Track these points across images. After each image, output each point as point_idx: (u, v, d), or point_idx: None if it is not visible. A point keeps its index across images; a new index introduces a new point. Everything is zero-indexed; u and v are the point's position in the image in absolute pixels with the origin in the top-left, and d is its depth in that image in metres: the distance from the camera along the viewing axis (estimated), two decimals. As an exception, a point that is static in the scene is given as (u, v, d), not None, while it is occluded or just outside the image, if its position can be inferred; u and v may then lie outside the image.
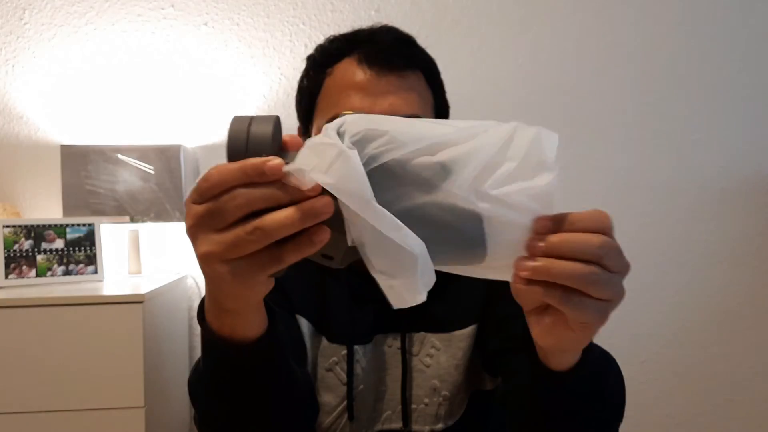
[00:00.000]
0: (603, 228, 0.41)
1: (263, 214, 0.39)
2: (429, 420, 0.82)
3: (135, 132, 1.79)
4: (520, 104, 1.88)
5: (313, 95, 0.82)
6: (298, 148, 0.42)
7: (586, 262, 0.39)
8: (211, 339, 0.53)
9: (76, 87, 1.80)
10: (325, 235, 0.39)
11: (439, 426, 0.82)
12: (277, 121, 0.42)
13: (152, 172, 1.64)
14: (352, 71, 0.77)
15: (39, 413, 1.32)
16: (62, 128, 1.79)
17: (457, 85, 1.83)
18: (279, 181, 0.39)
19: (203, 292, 1.81)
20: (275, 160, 0.38)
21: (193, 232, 0.41)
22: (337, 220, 0.40)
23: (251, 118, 0.42)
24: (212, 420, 0.62)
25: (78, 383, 1.33)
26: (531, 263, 0.40)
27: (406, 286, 0.40)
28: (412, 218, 0.39)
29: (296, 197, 0.39)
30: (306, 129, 0.85)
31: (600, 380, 0.58)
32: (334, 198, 0.39)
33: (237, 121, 0.42)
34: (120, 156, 1.63)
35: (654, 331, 1.92)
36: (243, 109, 1.84)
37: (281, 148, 0.42)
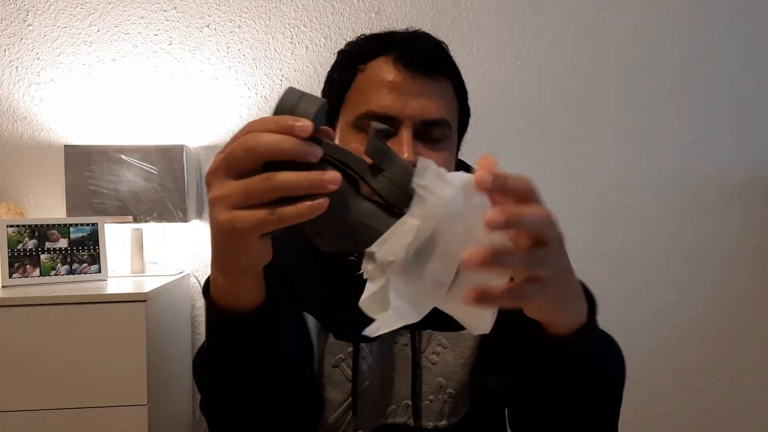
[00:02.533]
0: (533, 196, 0.44)
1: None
2: (433, 416, 0.83)
3: (138, 132, 1.81)
4: (520, 104, 1.90)
5: (343, 89, 0.82)
6: (331, 138, 0.46)
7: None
8: (212, 310, 0.56)
9: (80, 88, 1.81)
10: (323, 204, 0.42)
11: (443, 423, 0.83)
12: (324, 105, 0.44)
13: (155, 172, 1.65)
14: (386, 69, 0.78)
15: (42, 411, 1.33)
16: (66, 129, 1.81)
17: (457, 86, 1.85)
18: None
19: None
20: (305, 121, 0.42)
21: (211, 178, 0.44)
22: (338, 202, 0.43)
23: (302, 94, 0.44)
24: (216, 398, 0.64)
25: (81, 381, 1.34)
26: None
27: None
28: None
29: (308, 158, 0.42)
30: (331, 122, 0.86)
31: (600, 355, 0.61)
32: (343, 174, 0.43)
33: (290, 92, 0.44)
34: (123, 156, 1.65)
35: (651, 329, 1.93)
36: (243, 109, 1.85)
37: (318, 132, 0.45)
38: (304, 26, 1.85)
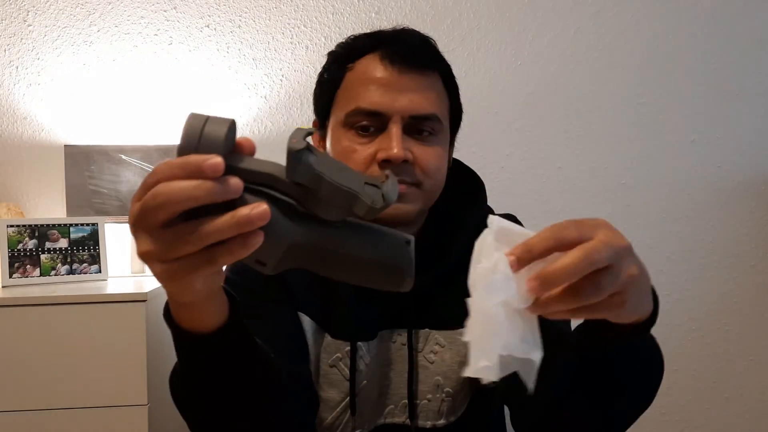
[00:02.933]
0: (567, 237, 0.43)
1: (200, 216, 0.39)
2: (431, 415, 0.83)
3: (138, 132, 1.81)
4: (520, 104, 1.90)
5: (333, 88, 0.82)
6: (251, 150, 0.43)
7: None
8: (176, 334, 0.55)
9: (80, 88, 1.81)
10: (258, 239, 0.40)
11: (441, 422, 0.83)
12: (232, 125, 0.42)
13: (155, 172, 1.65)
14: (374, 66, 0.78)
15: (42, 411, 1.33)
16: (66, 129, 1.81)
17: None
18: (216, 179, 0.39)
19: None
20: (215, 159, 0.38)
21: (133, 230, 0.42)
22: (272, 227, 0.41)
23: (207, 118, 0.41)
24: (198, 420, 0.64)
25: (81, 381, 1.34)
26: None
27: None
28: None
29: (226, 197, 0.39)
30: (323, 123, 0.86)
31: (646, 357, 0.61)
32: (271, 202, 0.41)
33: (193, 118, 0.41)
34: (123, 156, 1.65)
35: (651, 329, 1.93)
36: (243, 109, 1.85)
37: (233, 151, 0.43)
38: (304, 26, 1.85)
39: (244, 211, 0.39)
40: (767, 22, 1.93)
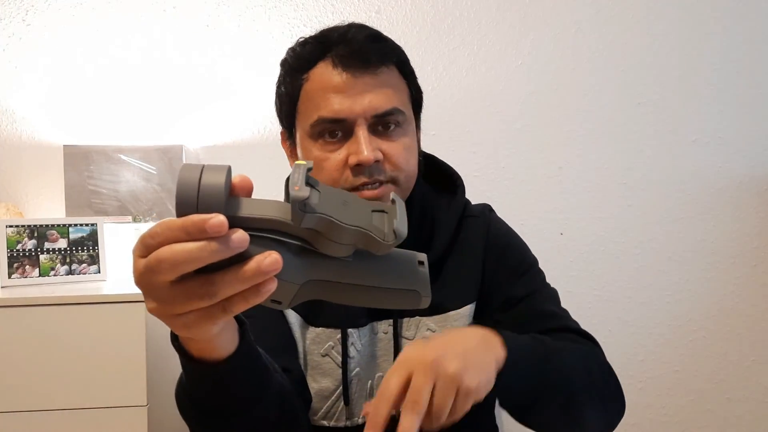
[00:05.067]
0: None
1: (209, 269, 0.39)
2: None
3: (137, 132, 1.80)
4: (520, 104, 1.89)
5: (292, 101, 0.84)
6: (248, 191, 0.42)
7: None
8: (185, 358, 0.55)
9: (79, 88, 1.81)
10: (272, 286, 0.40)
11: None
12: (228, 171, 0.41)
13: (154, 172, 1.65)
14: (328, 75, 0.79)
15: (41, 412, 1.33)
16: (65, 129, 1.80)
17: (457, 86, 1.85)
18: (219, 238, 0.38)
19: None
20: (217, 218, 0.37)
21: (140, 287, 0.41)
22: (284, 270, 0.40)
23: (202, 168, 0.40)
24: (199, 427, 0.64)
25: (81, 382, 1.34)
26: None
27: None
28: None
29: (232, 254, 0.38)
30: (290, 133, 0.87)
31: (529, 376, 0.66)
32: (280, 246, 0.40)
33: (187, 170, 0.39)
34: (122, 156, 1.65)
35: (651, 329, 1.93)
36: (244, 110, 1.85)
37: (230, 196, 0.41)
38: (304, 26, 1.85)
39: (253, 264, 0.38)
40: (767, 21, 1.92)
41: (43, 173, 1.79)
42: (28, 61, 1.80)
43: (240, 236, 0.38)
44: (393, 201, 0.45)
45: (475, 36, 1.88)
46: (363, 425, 0.83)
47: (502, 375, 0.61)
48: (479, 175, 1.87)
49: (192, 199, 0.39)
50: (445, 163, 0.96)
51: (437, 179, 0.94)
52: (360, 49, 0.79)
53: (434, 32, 1.86)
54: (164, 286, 0.39)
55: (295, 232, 0.42)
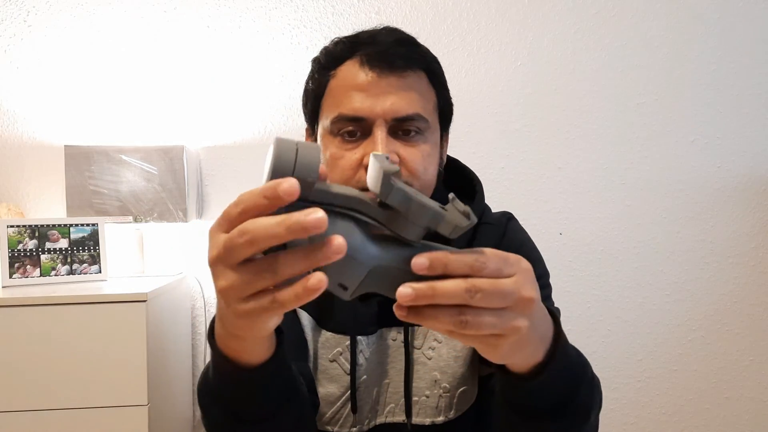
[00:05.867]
0: (483, 269, 0.43)
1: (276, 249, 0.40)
2: (430, 412, 0.83)
3: (138, 133, 1.81)
4: (520, 104, 1.90)
5: (318, 97, 0.83)
6: (325, 176, 0.44)
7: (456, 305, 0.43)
8: (219, 358, 0.55)
9: (80, 88, 1.81)
10: (322, 284, 0.40)
11: (440, 419, 0.83)
12: (319, 149, 0.42)
13: (155, 172, 1.66)
14: (354, 73, 0.79)
15: (42, 411, 1.33)
16: (66, 129, 1.81)
17: (457, 87, 1.85)
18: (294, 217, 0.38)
19: (205, 292, 1.83)
20: (289, 181, 0.38)
21: (213, 265, 0.42)
22: (357, 251, 0.42)
23: (297, 143, 0.41)
24: (217, 426, 0.64)
25: (82, 382, 1.34)
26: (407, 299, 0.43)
27: None
28: None
29: (306, 234, 0.38)
30: (313, 130, 0.87)
31: (559, 390, 0.59)
32: (357, 225, 0.42)
33: (283, 143, 0.41)
34: (123, 156, 1.65)
35: (651, 329, 1.93)
36: (244, 110, 1.85)
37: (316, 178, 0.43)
38: (305, 26, 1.85)
39: (320, 245, 0.39)
40: (766, 21, 1.93)
41: (44, 173, 1.80)
42: (30, 61, 1.80)
43: (319, 216, 0.38)
44: (451, 199, 0.45)
45: (475, 37, 1.89)
46: (367, 431, 0.83)
47: (544, 365, 0.56)
48: (479, 176, 1.87)
49: (289, 168, 0.40)
50: (467, 168, 0.95)
51: (457, 183, 0.93)
52: (387, 50, 0.79)
53: (434, 33, 1.87)
54: (236, 265, 0.40)
55: (374, 214, 0.43)
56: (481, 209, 0.90)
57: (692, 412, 1.94)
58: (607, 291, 1.91)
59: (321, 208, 0.39)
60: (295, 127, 1.83)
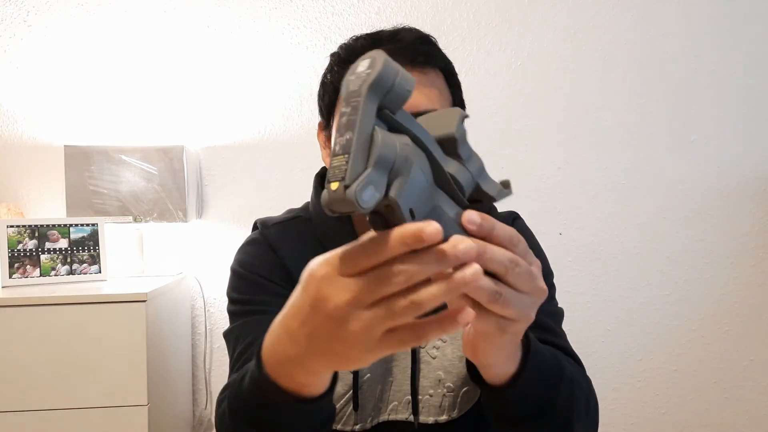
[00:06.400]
0: (517, 247, 0.43)
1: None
2: (433, 411, 0.83)
3: (138, 133, 1.81)
4: (519, 105, 1.90)
5: (336, 90, 0.83)
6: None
7: (493, 275, 0.42)
8: (273, 389, 0.52)
9: (80, 88, 1.81)
10: (470, 317, 0.39)
11: (443, 417, 0.84)
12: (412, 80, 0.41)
13: (155, 172, 1.66)
14: None
15: (42, 411, 1.34)
16: (66, 129, 1.81)
17: (457, 86, 1.85)
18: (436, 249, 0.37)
19: (205, 292, 1.83)
20: (432, 226, 0.36)
21: (349, 310, 0.39)
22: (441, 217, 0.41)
23: (397, 70, 0.39)
24: None
25: (81, 382, 1.34)
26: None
27: None
28: None
29: (450, 265, 0.37)
30: (327, 123, 0.87)
31: (540, 394, 0.61)
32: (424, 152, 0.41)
33: (389, 61, 0.39)
34: (123, 156, 1.65)
35: (651, 329, 1.93)
36: (244, 110, 1.85)
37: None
38: (305, 26, 1.85)
39: (460, 274, 0.37)
40: (767, 21, 1.93)
41: (44, 173, 1.80)
42: (30, 61, 1.80)
43: (468, 247, 0.37)
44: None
45: (475, 37, 1.89)
46: (370, 429, 0.83)
47: (517, 373, 0.58)
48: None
49: (388, 83, 0.39)
50: None
51: None
52: (409, 46, 0.80)
53: (434, 33, 1.84)
54: (372, 306, 0.38)
55: (440, 157, 0.42)
56: (487, 210, 0.90)
57: (692, 412, 1.94)
58: (607, 291, 1.91)
59: (406, 134, 0.39)
60: (296, 127, 1.83)
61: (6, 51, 1.80)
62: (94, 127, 1.81)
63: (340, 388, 0.83)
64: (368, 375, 0.83)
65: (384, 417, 0.84)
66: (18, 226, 1.55)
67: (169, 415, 1.56)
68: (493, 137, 1.89)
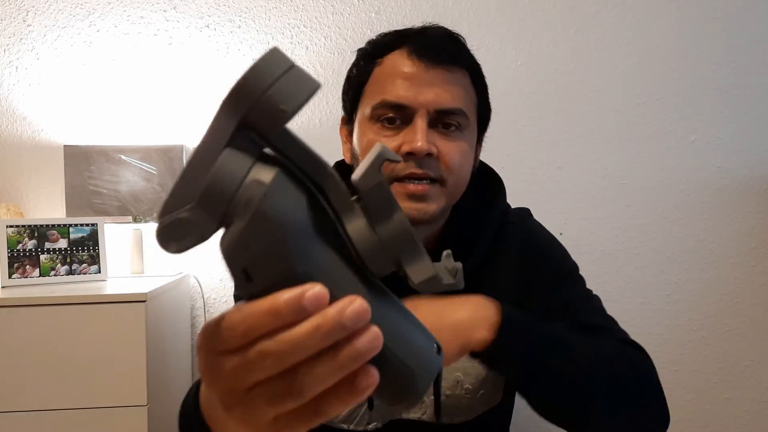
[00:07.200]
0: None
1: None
2: (450, 412, 0.83)
3: (137, 133, 1.81)
4: (520, 105, 1.90)
5: (361, 84, 0.83)
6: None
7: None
8: (198, 411, 0.49)
9: (79, 88, 1.81)
10: (373, 380, 0.30)
11: (460, 419, 0.83)
12: (314, 90, 0.30)
13: (155, 172, 1.65)
14: (401, 61, 0.79)
15: (42, 412, 1.33)
16: (65, 129, 1.81)
17: (457, 86, 1.85)
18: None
19: (205, 292, 1.83)
20: (316, 288, 0.28)
21: (223, 392, 0.32)
22: (336, 280, 0.31)
23: (292, 65, 0.29)
24: None
25: (81, 382, 1.34)
26: None
27: None
28: None
29: (343, 335, 0.29)
30: (350, 118, 0.87)
31: (528, 359, 0.66)
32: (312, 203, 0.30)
33: (274, 56, 0.29)
34: (123, 156, 1.65)
35: (651, 329, 1.93)
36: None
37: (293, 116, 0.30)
38: (304, 26, 1.85)
39: (352, 346, 0.29)
40: (767, 21, 1.93)
41: (43, 173, 1.80)
42: (29, 61, 1.80)
43: (360, 308, 0.29)
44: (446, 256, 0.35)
45: (475, 36, 1.88)
46: (382, 428, 0.83)
47: (498, 333, 0.63)
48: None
49: (260, 87, 0.28)
50: (489, 167, 0.96)
51: (480, 181, 0.93)
52: (437, 43, 0.80)
53: (434, 32, 1.86)
54: (248, 389, 0.31)
55: (338, 203, 0.31)
56: (504, 209, 0.91)
57: (693, 413, 1.94)
58: (607, 291, 1.91)
59: (276, 156, 0.29)
60: (295, 127, 1.83)
61: (5, 51, 1.80)
62: (93, 127, 1.81)
63: None
64: None
65: (397, 416, 0.84)
66: (17, 226, 1.55)
67: (169, 415, 1.56)
68: (493, 137, 1.88)
